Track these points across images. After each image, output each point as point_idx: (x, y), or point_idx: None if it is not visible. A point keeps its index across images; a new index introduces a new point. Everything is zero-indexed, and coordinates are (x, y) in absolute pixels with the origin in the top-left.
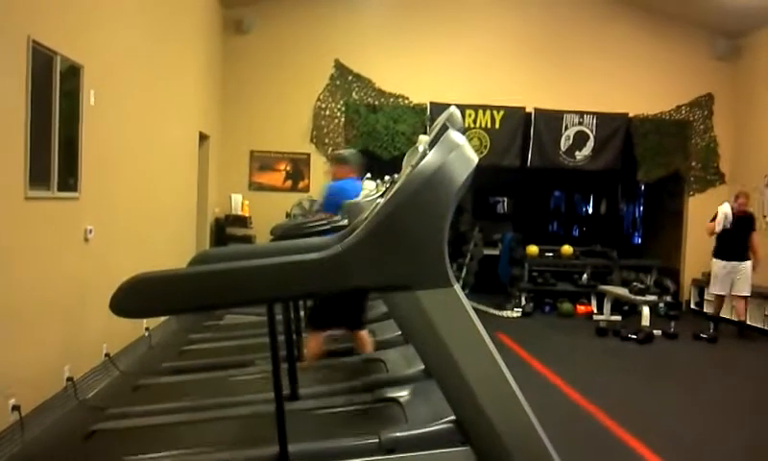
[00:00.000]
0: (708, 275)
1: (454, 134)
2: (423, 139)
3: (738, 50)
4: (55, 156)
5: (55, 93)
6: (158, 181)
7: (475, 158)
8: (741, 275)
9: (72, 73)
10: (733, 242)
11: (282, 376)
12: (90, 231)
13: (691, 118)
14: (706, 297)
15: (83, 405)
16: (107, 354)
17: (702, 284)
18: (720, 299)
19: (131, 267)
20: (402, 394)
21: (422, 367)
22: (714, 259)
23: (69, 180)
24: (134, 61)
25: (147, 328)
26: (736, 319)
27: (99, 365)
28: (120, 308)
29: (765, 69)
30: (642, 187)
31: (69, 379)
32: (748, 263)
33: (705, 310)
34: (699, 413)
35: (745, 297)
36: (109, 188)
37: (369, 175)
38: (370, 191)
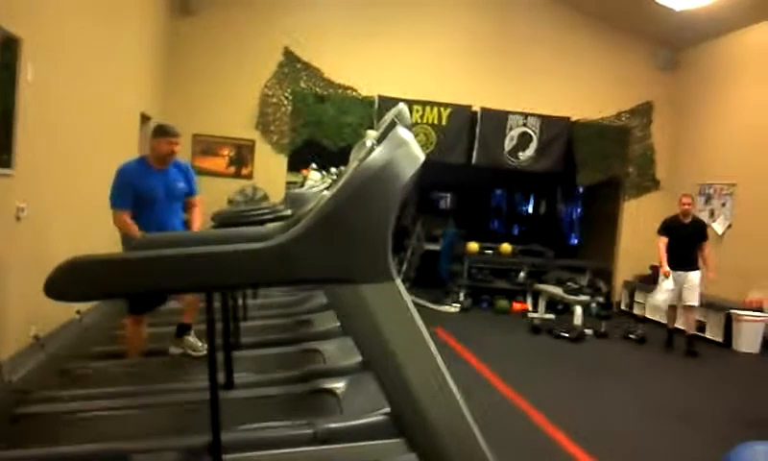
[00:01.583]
0: (641, 278)
1: (402, 131)
2: (371, 134)
3: (678, 62)
4: None
5: None
6: (98, 161)
7: (422, 156)
8: (689, 284)
9: (10, 45)
10: (682, 250)
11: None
12: (23, 210)
13: (631, 125)
14: (636, 299)
15: (8, 387)
16: (35, 336)
17: (633, 287)
18: (672, 309)
19: (65, 248)
20: (338, 385)
21: (360, 359)
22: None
23: (3, 155)
24: (76, 37)
25: (78, 311)
26: (686, 330)
27: (26, 347)
28: (55, 291)
29: (701, 81)
30: (581, 190)
31: None
32: (697, 273)
33: (634, 312)
34: (623, 408)
35: (693, 306)
36: (46, 166)
37: (314, 165)
38: (315, 182)
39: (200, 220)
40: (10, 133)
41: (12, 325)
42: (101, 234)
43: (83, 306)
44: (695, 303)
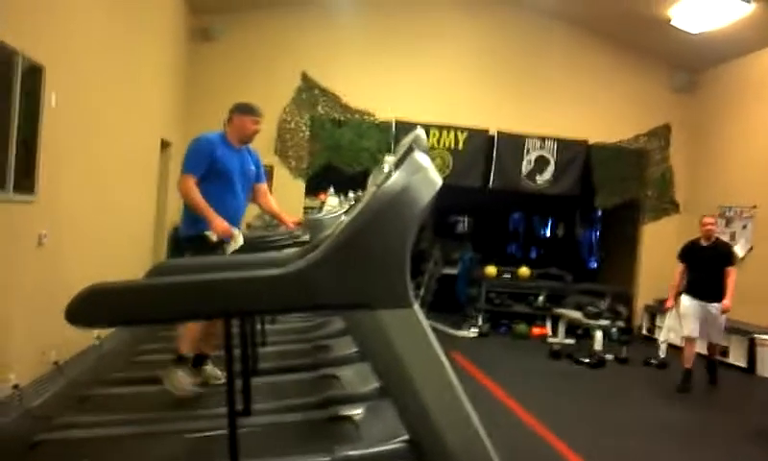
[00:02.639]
0: (661, 301)
1: (419, 156)
2: (389, 160)
3: (695, 84)
4: (12, 156)
5: (15, 93)
6: (118, 187)
7: (439, 181)
8: (713, 318)
9: (34, 73)
10: (704, 277)
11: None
12: (45, 236)
13: (649, 148)
14: (657, 323)
15: (28, 414)
16: (55, 362)
17: (654, 311)
18: (691, 344)
19: (85, 273)
20: (357, 412)
21: (377, 385)
22: (683, 295)
23: (26, 182)
24: (98, 65)
25: (98, 337)
26: (708, 355)
27: (47, 373)
28: (76, 318)
29: (719, 103)
30: (599, 213)
31: (15, 387)
32: (721, 306)
33: (655, 336)
34: (645, 435)
35: (716, 344)
36: (67, 192)
37: (332, 190)
38: (333, 207)
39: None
40: (33, 160)
41: (32, 350)
42: (121, 261)
43: (102, 332)
44: (720, 341)
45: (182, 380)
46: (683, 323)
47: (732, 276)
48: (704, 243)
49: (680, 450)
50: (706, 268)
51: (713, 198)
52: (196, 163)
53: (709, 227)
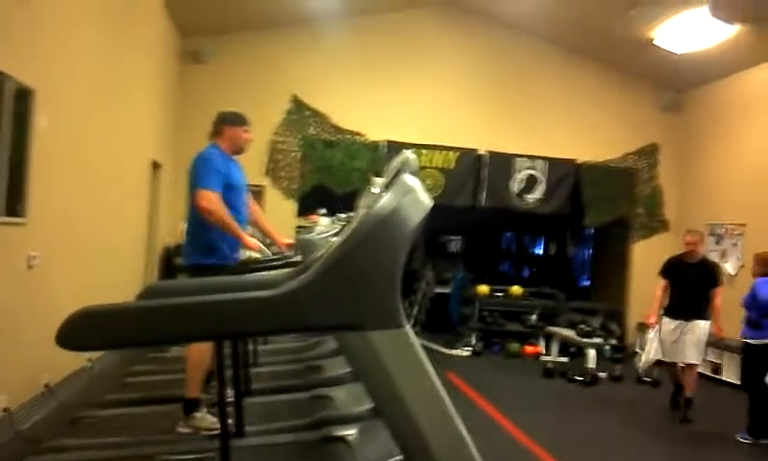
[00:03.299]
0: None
1: (408, 178)
2: (378, 181)
3: (682, 103)
4: (2, 179)
5: (4, 116)
6: (109, 209)
7: (429, 203)
8: (691, 336)
9: (23, 96)
10: (685, 296)
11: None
12: (35, 258)
13: (637, 166)
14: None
15: (18, 437)
16: (46, 385)
17: (646, 328)
18: (673, 366)
19: (76, 295)
20: (350, 432)
21: (370, 405)
22: (664, 317)
23: (16, 204)
24: (89, 88)
25: (89, 359)
26: (684, 390)
27: (37, 395)
28: (67, 341)
29: (706, 122)
30: (591, 231)
31: (5, 410)
32: (701, 324)
33: None
34: (640, 453)
35: (693, 365)
36: (58, 215)
37: (323, 211)
38: (324, 227)
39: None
40: (23, 183)
41: (23, 373)
42: (113, 282)
43: (94, 354)
44: (695, 360)
45: (205, 421)
46: (648, 345)
47: (719, 298)
48: (688, 260)
49: None
50: (688, 288)
51: (702, 216)
52: (215, 178)
53: (691, 246)
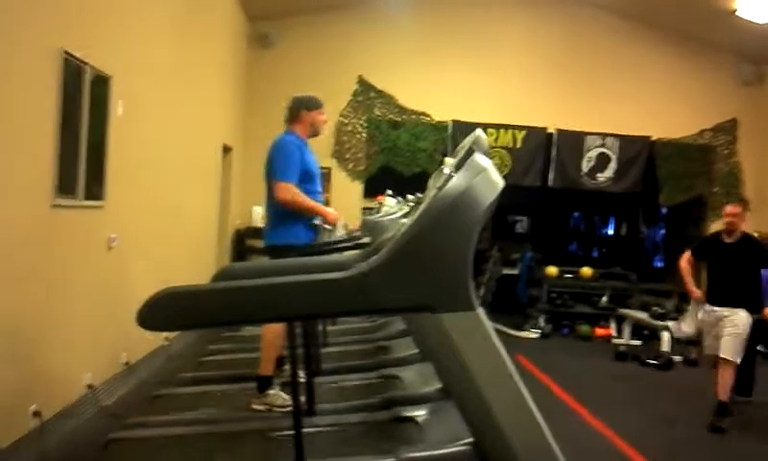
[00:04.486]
0: None
1: (480, 158)
2: (449, 162)
3: (763, 75)
4: (82, 164)
5: (84, 103)
6: (182, 192)
7: (501, 183)
8: (728, 327)
9: (101, 83)
10: (722, 281)
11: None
12: (114, 240)
13: (715, 143)
14: None
15: (102, 413)
16: (126, 363)
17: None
18: (726, 366)
19: (151, 276)
20: (419, 413)
21: (439, 386)
22: (704, 305)
23: (95, 188)
24: (162, 73)
25: (167, 338)
26: (717, 393)
27: (119, 373)
28: (147, 322)
29: None
30: (664, 211)
31: (89, 386)
32: (740, 313)
33: None
34: (717, 442)
35: (728, 361)
36: (134, 198)
37: (389, 192)
38: (390, 207)
39: None
40: (101, 167)
41: (104, 351)
42: (186, 263)
43: (170, 333)
44: (731, 356)
45: (278, 398)
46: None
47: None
48: (725, 238)
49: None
50: (724, 270)
51: None
52: (292, 169)
53: (731, 218)
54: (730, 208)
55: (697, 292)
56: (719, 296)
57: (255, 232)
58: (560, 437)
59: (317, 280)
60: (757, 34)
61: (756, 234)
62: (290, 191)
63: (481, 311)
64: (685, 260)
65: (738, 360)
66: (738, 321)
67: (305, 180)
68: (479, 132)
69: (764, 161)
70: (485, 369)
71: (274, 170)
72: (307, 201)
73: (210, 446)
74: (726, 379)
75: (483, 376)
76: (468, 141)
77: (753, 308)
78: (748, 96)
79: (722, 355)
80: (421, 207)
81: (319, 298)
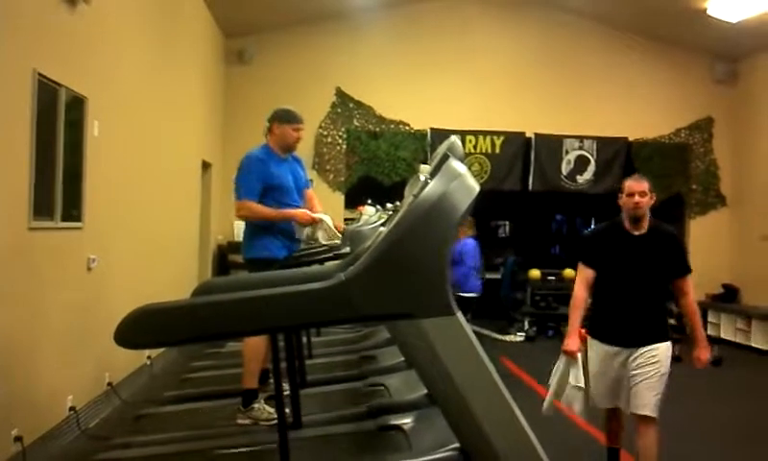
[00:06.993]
0: (713, 297)
1: (455, 164)
2: (425, 169)
3: (736, 73)
4: (59, 186)
5: (59, 124)
6: (162, 210)
7: (476, 187)
8: (641, 369)
9: (76, 105)
10: (626, 299)
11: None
12: (93, 261)
13: (691, 141)
14: (709, 319)
15: (85, 435)
16: (109, 383)
17: (705, 307)
18: (612, 415)
19: (133, 296)
20: (406, 421)
21: (425, 393)
22: (590, 338)
23: (73, 210)
24: (138, 92)
25: (149, 357)
26: None
27: (101, 394)
28: (125, 340)
29: (763, 92)
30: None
31: (72, 409)
32: (658, 348)
33: (709, 333)
34: (699, 437)
35: (647, 417)
36: (113, 218)
37: (369, 201)
38: (369, 216)
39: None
40: (79, 189)
41: (86, 371)
42: (167, 281)
43: (153, 352)
44: (651, 411)
45: (263, 412)
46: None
47: (689, 296)
48: (630, 230)
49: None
50: (631, 280)
51: (760, 189)
52: (251, 187)
53: (637, 199)
54: (633, 185)
55: (577, 347)
56: (623, 326)
57: (237, 247)
58: (546, 440)
59: (296, 292)
60: (729, 32)
61: None
62: (244, 208)
63: (460, 316)
64: (583, 283)
65: (656, 412)
66: (656, 361)
67: (275, 193)
68: (453, 138)
69: (740, 158)
70: (466, 372)
71: (234, 188)
72: (267, 210)
73: None
74: (648, 441)
75: (464, 379)
76: (442, 148)
77: (666, 338)
78: (722, 94)
79: (642, 413)
80: (398, 215)
81: (298, 309)
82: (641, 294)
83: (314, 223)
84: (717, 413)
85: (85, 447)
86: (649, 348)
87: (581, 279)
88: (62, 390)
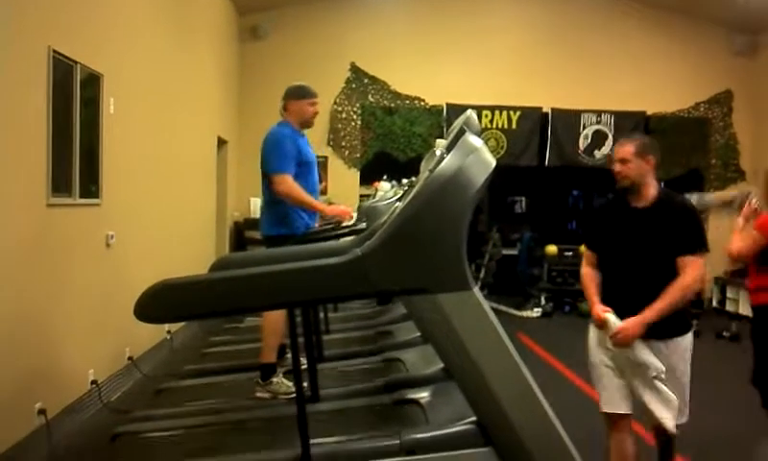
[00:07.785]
0: (732, 272)
1: (471, 138)
2: (441, 143)
3: (756, 46)
4: (76, 162)
5: (75, 102)
6: (178, 186)
7: (493, 161)
8: (652, 368)
9: (92, 82)
10: (630, 281)
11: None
12: (112, 237)
13: (710, 115)
14: (728, 295)
15: (107, 408)
16: (129, 358)
17: (724, 282)
18: (622, 421)
19: (151, 271)
20: (423, 394)
21: (441, 367)
22: (591, 326)
23: (91, 186)
24: (153, 69)
25: (169, 331)
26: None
27: (122, 368)
28: (144, 314)
29: None
30: (662, 185)
31: (93, 382)
32: (678, 342)
33: (727, 309)
34: (719, 411)
35: (666, 425)
36: (130, 194)
37: (385, 177)
38: (385, 192)
39: None
40: (96, 165)
41: (107, 346)
42: (185, 257)
43: (172, 327)
44: (670, 420)
45: (281, 386)
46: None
47: (690, 275)
48: (632, 203)
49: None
50: (634, 259)
51: None
52: (287, 161)
53: (618, 168)
54: (620, 150)
55: (599, 314)
56: (630, 313)
57: (254, 224)
58: (560, 410)
59: (313, 267)
60: (749, 3)
61: None
62: (286, 183)
63: (477, 290)
64: (588, 274)
65: (683, 420)
66: (676, 357)
67: (303, 168)
68: (470, 112)
69: (760, 131)
70: (482, 346)
71: (268, 163)
72: (305, 197)
73: (216, 436)
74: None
75: (480, 353)
76: (459, 122)
77: (686, 329)
78: (741, 67)
79: (659, 418)
80: (414, 190)
81: (315, 283)
82: (648, 276)
83: (345, 216)
84: (735, 389)
85: (107, 419)
86: (665, 342)
87: (585, 261)
88: (84, 364)
